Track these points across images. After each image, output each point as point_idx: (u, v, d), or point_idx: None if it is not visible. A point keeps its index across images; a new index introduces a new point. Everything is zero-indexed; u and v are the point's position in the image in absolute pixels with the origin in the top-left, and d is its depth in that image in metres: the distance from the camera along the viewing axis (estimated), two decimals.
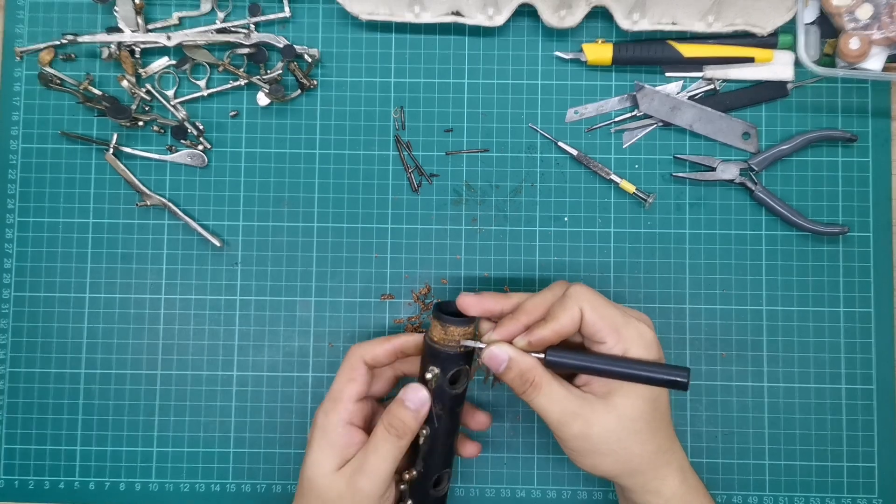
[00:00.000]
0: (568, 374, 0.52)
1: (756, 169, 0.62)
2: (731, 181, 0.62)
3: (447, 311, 0.52)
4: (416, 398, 0.51)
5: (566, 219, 0.63)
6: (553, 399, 0.50)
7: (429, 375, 0.51)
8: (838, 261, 0.63)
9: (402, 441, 0.51)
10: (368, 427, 0.54)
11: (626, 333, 0.50)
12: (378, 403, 0.57)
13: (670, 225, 0.63)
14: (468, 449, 0.58)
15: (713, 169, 0.62)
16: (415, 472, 0.53)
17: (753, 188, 0.62)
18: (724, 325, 0.62)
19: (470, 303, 0.52)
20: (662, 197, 0.63)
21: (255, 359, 0.63)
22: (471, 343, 0.51)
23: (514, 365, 0.50)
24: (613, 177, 0.62)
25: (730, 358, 0.62)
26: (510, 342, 0.51)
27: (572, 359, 0.50)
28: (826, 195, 0.63)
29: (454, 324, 0.51)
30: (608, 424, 0.49)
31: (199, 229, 0.62)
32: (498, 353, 0.50)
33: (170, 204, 0.62)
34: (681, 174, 0.63)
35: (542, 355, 0.50)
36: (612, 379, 0.50)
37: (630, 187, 0.62)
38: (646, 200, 0.62)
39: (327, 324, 0.63)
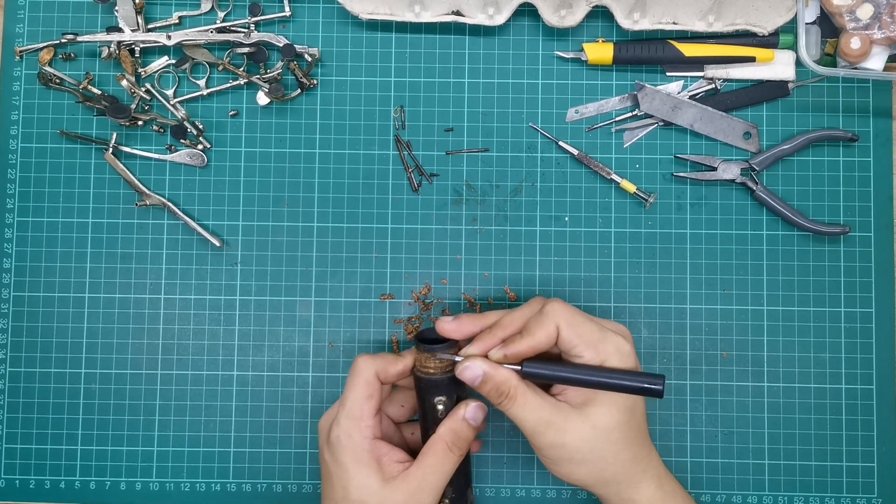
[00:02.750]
0: (544, 383, 0.53)
1: (757, 169, 0.62)
2: (732, 181, 0.62)
3: (430, 338, 0.53)
4: (480, 416, 0.52)
5: (566, 219, 0.63)
6: (527, 408, 0.50)
7: (440, 407, 0.53)
8: (839, 261, 0.62)
9: (461, 458, 0.52)
10: (383, 434, 0.54)
11: (603, 348, 0.50)
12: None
13: (671, 225, 0.63)
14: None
15: (714, 169, 0.62)
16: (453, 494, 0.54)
17: (754, 188, 0.62)
18: (725, 325, 0.62)
19: (449, 328, 0.53)
20: (663, 197, 0.63)
21: (255, 359, 0.63)
22: (447, 356, 0.52)
23: (488, 378, 0.50)
24: (614, 176, 0.62)
25: (730, 358, 0.62)
26: (486, 355, 0.51)
27: (548, 370, 0.50)
28: (827, 195, 0.63)
29: (427, 350, 0.52)
30: (583, 434, 0.50)
31: (199, 229, 0.62)
32: (473, 366, 0.51)
33: (169, 204, 0.62)
34: (682, 174, 0.62)
35: (518, 367, 0.51)
36: (588, 388, 0.50)
37: (631, 187, 0.62)
38: (646, 200, 0.62)
39: (327, 324, 0.63)
